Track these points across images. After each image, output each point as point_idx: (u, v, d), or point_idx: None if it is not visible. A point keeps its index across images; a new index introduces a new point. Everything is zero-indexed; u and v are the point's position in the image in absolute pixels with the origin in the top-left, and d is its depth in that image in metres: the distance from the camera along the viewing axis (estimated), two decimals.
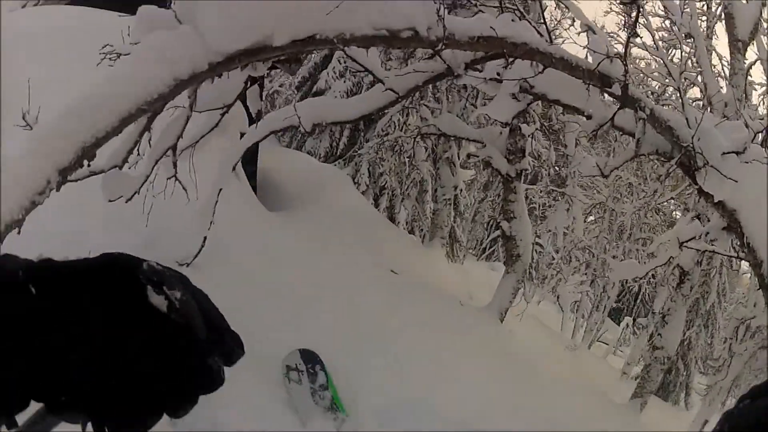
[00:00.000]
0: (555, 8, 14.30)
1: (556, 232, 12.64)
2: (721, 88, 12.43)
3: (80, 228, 6.65)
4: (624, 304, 35.15)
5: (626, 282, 29.05)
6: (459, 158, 15.07)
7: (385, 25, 5.46)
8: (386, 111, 15.46)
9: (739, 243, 7.81)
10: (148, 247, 7.47)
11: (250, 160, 12.56)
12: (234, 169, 8.37)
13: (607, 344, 27.04)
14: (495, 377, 9.22)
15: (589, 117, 7.31)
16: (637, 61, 18.94)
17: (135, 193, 5.95)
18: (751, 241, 7.25)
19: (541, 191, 19.07)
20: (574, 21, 9.31)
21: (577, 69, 6.54)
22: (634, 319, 28.03)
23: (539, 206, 24.88)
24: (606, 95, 7.06)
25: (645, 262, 20.90)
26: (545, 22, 6.76)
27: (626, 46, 6.82)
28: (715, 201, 7.08)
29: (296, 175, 14.72)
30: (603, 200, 24.09)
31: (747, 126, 7.66)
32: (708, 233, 9.09)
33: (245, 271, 8.67)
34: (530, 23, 6.63)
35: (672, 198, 20.16)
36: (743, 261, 8.99)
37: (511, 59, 6.85)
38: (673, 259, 10.90)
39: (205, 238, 7.83)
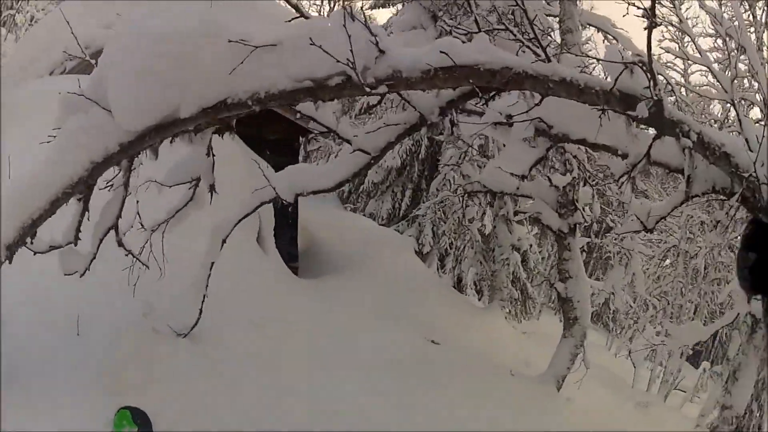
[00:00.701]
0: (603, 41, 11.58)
1: (614, 292, 10.26)
2: None
3: (79, 293, 5.94)
4: (702, 347, 32.20)
5: (702, 323, 26.26)
6: (516, 215, 12.95)
7: (308, 74, 4.27)
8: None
9: None
10: (147, 314, 6.57)
11: (288, 224, 11.02)
12: (223, 239, 6.85)
13: (684, 392, 23.78)
14: None
15: (625, 157, 5.10)
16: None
17: (86, 269, 5.46)
18: None
19: (614, 239, 16.76)
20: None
21: (587, 92, 4.25)
22: (712, 363, 24.92)
23: (614, 255, 22.31)
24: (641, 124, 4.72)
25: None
26: (536, 36, 4.52)
27: (648, 40, 4.26)
28: None
29: (350, 240, 13.09)
30: (676, 243, 21.67)
31: None
32: None
33: (252, 343, 7.28)
34: (521, 41, 4.46)
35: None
36: None
37: (492, 93, 4.74)
38: (740, 316, 8.45)
39: (200, 311, 6.74)
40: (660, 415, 14.45)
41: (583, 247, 25.00)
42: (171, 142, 4.96)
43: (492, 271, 13.96)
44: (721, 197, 5.38)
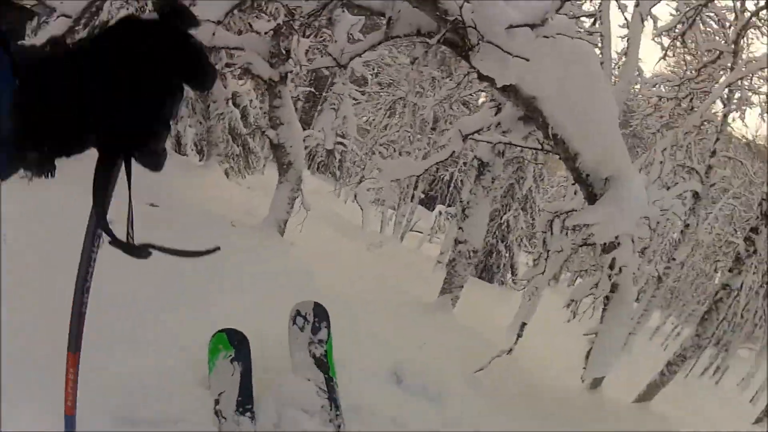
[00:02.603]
0: None
1: (325, 133, 11.02)
2: None
3: None
4: (437, 192, 34.60)
5: (437, 170, 28.39)
6: (228, 67, 13.28)
7: None
8: None
9: (543, 135, 6.34)
10: None
11: None
12: None
13: (421, 233, 25.84)
14: (274, 292, 7.57)
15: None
16: None
17: None
18: (560, 132, 5.95)
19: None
20: None
21: None
22: (448, 206, 27.24)
23: (323, 100, 23.28)
24: None
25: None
26: None
27: None
28: (498, 85, 5.53)
29: None
30: (403, 95, 23.19)
31: None
32: (499, 124, 7.75)
33: None
34: None
35: (481, 90, 19.20)
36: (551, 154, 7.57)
37: None
38: (456, 154, 9.46)
39: None
40: (394, 253, 15.57)
41: (306, 97, 25.55)
42: None
43: (208, 126, 14.31)
44: (427, 40, 5.97)
